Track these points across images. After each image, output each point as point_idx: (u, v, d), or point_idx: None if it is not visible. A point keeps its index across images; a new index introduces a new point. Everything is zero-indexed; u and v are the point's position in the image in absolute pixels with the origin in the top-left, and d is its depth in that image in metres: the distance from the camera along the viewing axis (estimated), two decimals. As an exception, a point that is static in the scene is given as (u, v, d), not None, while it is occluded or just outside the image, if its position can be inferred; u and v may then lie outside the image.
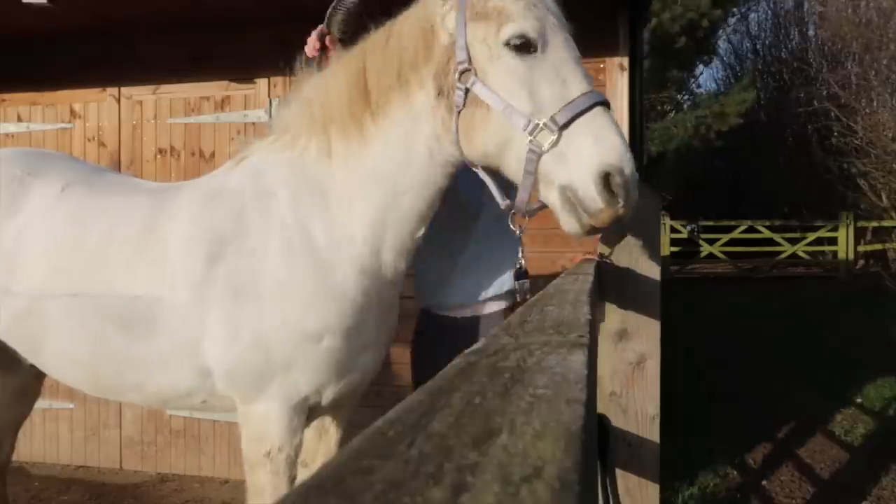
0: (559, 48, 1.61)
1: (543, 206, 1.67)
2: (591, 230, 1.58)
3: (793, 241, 15.14)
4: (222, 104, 4.21)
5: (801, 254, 15.21)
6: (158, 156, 4.31)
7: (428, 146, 1.78)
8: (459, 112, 1.65)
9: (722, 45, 21.26)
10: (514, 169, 1.62)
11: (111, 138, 4.38)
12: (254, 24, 4.01)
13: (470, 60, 1.63)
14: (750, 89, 15.43)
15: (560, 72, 1.58)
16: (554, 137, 1.52)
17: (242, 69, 4.13)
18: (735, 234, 15.33)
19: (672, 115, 16.10)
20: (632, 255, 2.14)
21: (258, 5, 3.77)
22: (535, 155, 1.55)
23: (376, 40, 1.82)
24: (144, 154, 4.33)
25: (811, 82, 17.59)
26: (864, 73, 15.14)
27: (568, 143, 1.52)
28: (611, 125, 1.54)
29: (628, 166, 1.50)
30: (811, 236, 15.08)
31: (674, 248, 15.62)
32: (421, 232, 1.94)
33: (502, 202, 1.71)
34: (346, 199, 1.89)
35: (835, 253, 15.17)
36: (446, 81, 1.68)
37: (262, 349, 1.85)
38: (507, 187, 1.75)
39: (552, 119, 1.53)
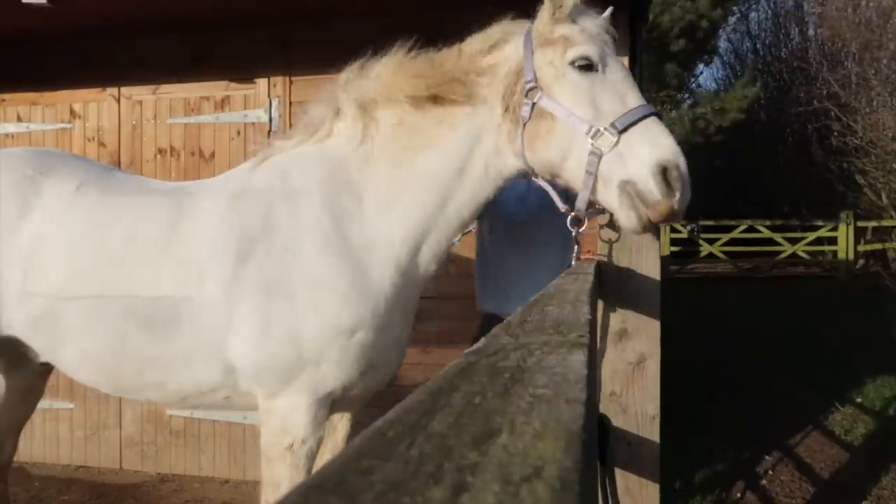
0: (617, 70, 1.82)
1: (600, 212, 1.84)
2: (649, 225, 1.71)
3: (793, 241, 15.11)
4: (222, 104, 4.20)
5: (801, 253, 15.19)
6: (158, 156, 4.30)
7: (485, 160, 1.92)
8: (525, 124, 1.80)
9: (722, 44, 21.27)
10: (574, 172, 1.76)
11: (111, 138, 4.38)
12: (254, 24, 4.01)
13: (536, 80, 1.81)
14: (750, 86, 15.35)
15: (618, 88, 1.78)
16: (614, 140, 1.69)
17: (242, 69, 4.12)
18: (735, 234, 15.30)
19: (672, 113, 16.03)
20: (632, 255, 2.14)
21: (258, 5, 3.77)
22: (596, 156, 1.70)
23: (448, 54, 1.95)
24: (144, 154, 4.33)
25: (811, 82, 17.56)
26: (863, 73, 15.11)
27: (627, 146, 1.69)
28: (665, 130, 1.71)
29: (682, 163, 1.67)
30: (811, 236, 15.05)
31: (674, 248, 15.58)
32: (458, 238, 2.01)
33: (562, 206, 1.85)
34: (388, 200, 1.94)
35: (835, 253, 15.14)
36: (513, 100, 1.85)
37: (293, 344, 1.88)
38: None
39: (612, 125, 1.70)
